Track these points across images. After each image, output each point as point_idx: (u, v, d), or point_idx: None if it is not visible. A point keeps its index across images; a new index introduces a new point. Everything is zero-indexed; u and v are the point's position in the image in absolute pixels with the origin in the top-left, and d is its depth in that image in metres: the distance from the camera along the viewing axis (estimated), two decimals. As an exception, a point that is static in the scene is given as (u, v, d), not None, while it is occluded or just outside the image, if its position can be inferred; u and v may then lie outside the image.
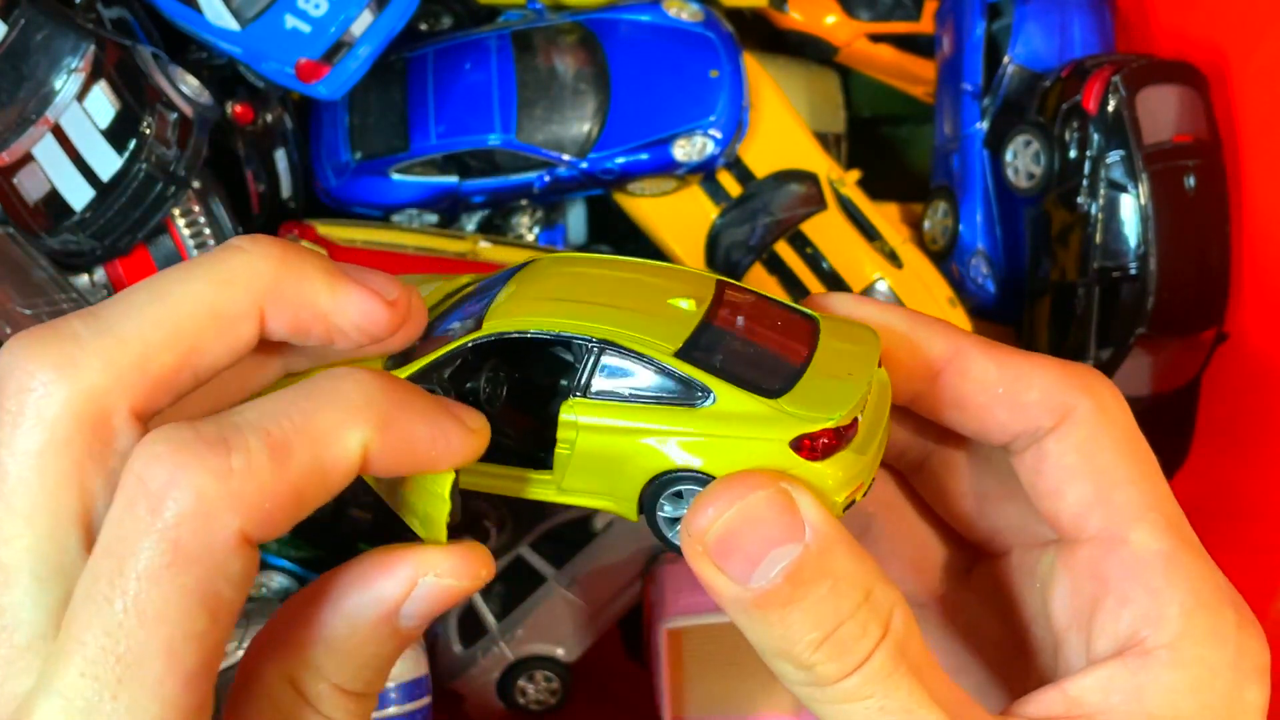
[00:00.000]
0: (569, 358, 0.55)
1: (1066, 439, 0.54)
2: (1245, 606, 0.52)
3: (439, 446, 0.48)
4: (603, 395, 0.51)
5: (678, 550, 0.52)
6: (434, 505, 0.51)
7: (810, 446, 0.50)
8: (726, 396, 0.50)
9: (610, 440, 0.51)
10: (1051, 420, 0.54)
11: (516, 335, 0.52)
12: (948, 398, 0.56)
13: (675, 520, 0.52)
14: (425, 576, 0.48)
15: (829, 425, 0.50)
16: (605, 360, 0.51)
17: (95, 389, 0.42)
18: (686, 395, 0.50)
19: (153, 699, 0.39)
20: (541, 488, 0.54)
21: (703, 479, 0.50)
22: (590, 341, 0.51)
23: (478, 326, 0.53)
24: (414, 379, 0.53)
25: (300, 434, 0.42)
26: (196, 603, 0.39)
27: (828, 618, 0.47)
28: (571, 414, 0.52)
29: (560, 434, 0.52)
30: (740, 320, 0.54)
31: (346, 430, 0.44)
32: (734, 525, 0.47)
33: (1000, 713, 0.52)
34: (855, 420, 0.51)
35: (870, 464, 0.52)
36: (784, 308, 0.56)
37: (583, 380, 0.51)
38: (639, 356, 0.51)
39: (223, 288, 0.45)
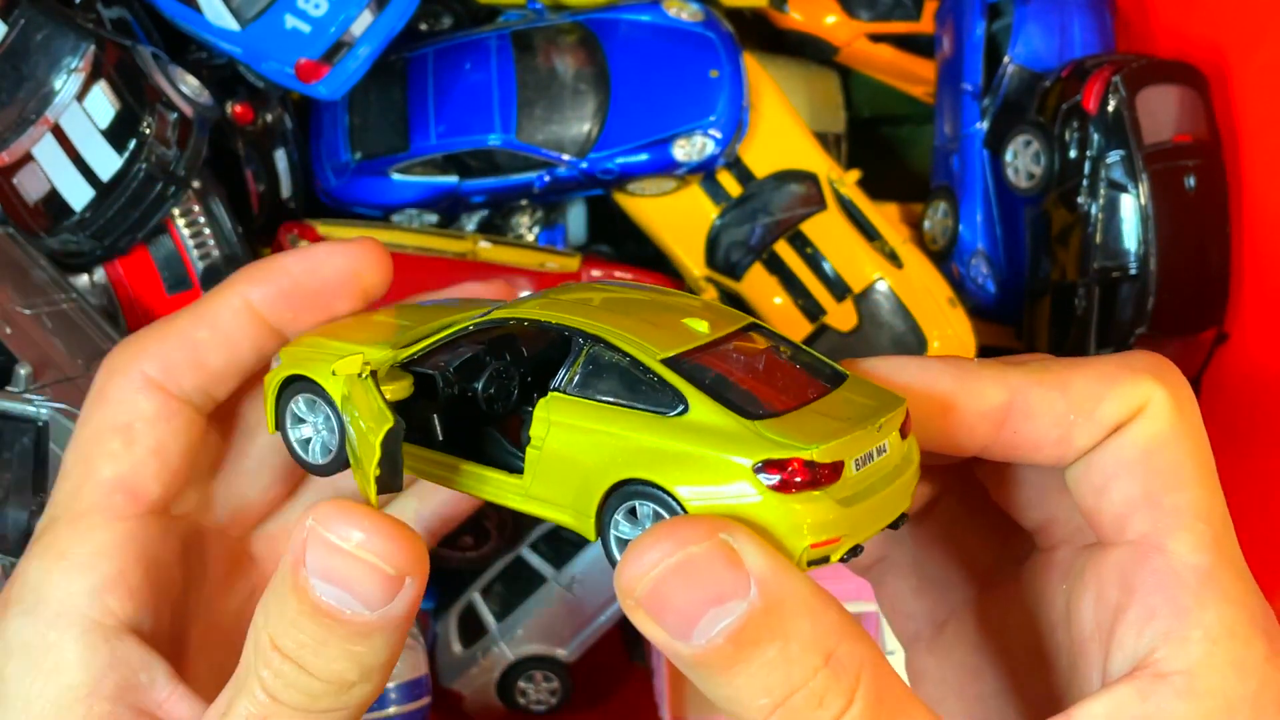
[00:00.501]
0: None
1: (1129, 434, 0.50)
2: None
3: (317, 266, 0.59)
4: (581, 393, 0.49)
5: None
6: (365, 451, 0.50)
7: (777, 477, 0.45)
8: (700, 409, 0.47)
9: (577, 440, 0.49)
10: (1129, 418, 0.51)
11: (514, 321, 0.52)
12: (1020, 442, 0.52)
13: (627, 544, 0.47)
14: (308, 520, 0.47)
15: (801, 455, 0.45)
16: (592, 357, 0.49)
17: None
18: (661, 403, 0.48)
19: (74, 491, 0.57)
20: (509, 491, 0.52)
21: (659, 495, 0.47)
22: (581, 335, 0.50)
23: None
24: (420, 358, 0.53)
25: (193, 303, 0.60)
26: (109, 429, 0.57)
27: (777, 684, 0.42)
28: (546, 410, 0.50)
29: (534, 431, 0.50)
30: (754, 356, 0.51)
31: (228, 289, 0.59)
32: (667, 580, 0.43)
33: None
34: (839, 464, 0.46)
35: (857, 522, 0.47)
36: (814, 360, 0.52)
37: (565, 376, 0.50)
38: (624, 355, 0.49)
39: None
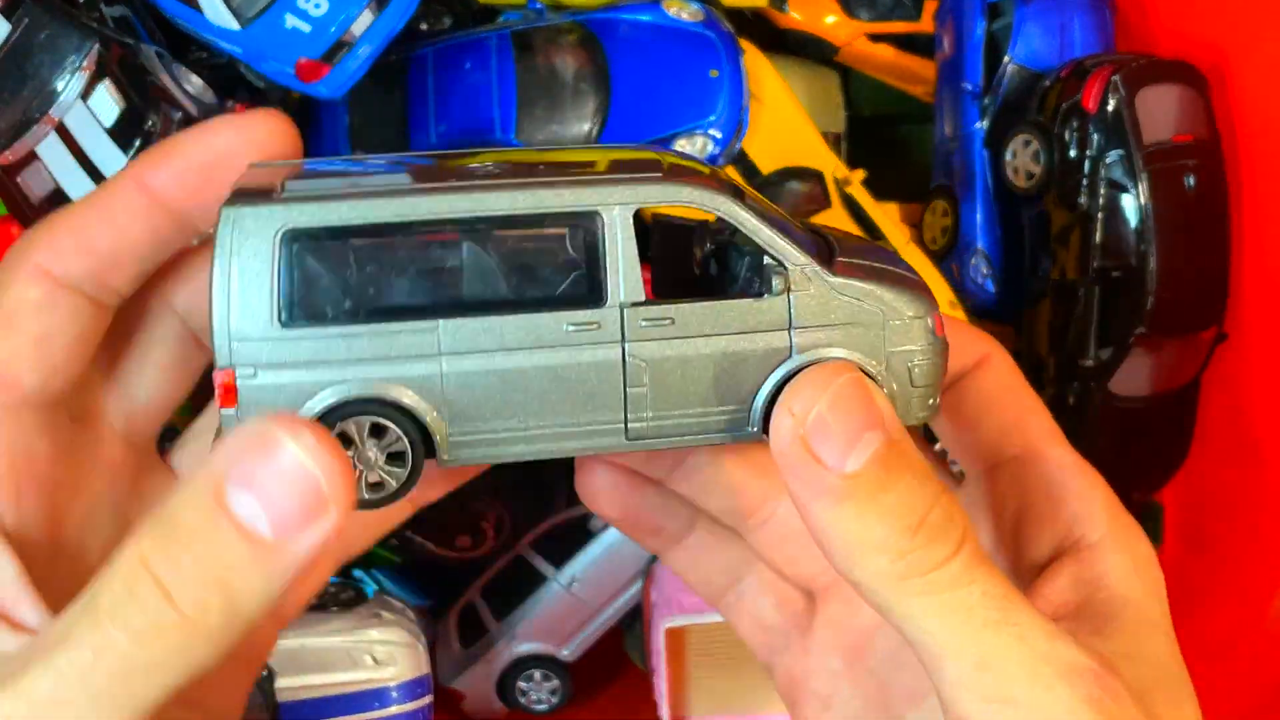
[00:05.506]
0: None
1: (987, 377, 0.61)
2: None
3: (210, 141, 0.56)
4: None
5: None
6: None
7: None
8: None
9: None
10: (971, 363, 0.61)
11: None
12: None
13: None
14: (253, 423, 0.46)
15: None
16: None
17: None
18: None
19: None
20: None
21: None
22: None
23: None
24: None
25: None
26: None
27: (918, 504, 0.48)
28: None
29: None
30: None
31: (122, 171, 0.57)
32: (826, 409, 0.48)
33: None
34: None
35: None
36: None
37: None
38: None
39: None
